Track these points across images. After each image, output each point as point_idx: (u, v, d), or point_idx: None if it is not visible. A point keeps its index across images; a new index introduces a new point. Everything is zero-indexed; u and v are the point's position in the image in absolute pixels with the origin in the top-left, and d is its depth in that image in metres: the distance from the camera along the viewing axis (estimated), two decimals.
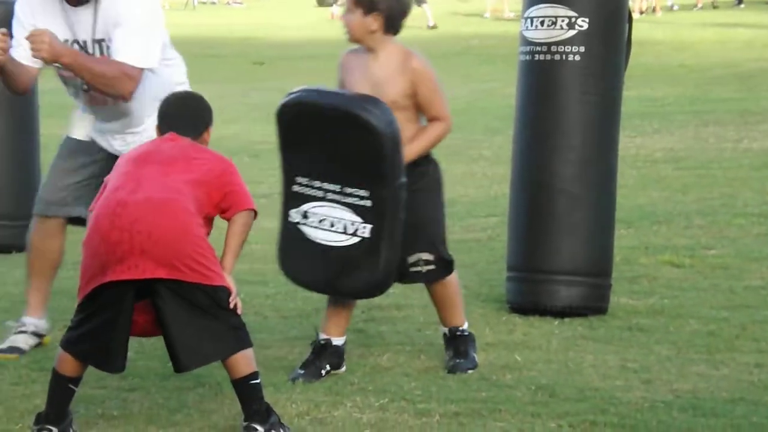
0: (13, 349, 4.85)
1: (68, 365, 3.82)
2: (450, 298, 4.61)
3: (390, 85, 4.39)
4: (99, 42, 4.71)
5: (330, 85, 4.56)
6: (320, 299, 4.92)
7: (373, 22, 4.38)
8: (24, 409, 4.11)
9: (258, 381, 3.82)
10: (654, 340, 5.04)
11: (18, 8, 4.81)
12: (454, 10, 27.55)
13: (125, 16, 4.62)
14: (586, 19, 5.38)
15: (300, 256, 4.32)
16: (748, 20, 23.17)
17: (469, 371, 4.52)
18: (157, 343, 4.57)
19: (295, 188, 4.24)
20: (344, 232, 4.22)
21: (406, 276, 4.51)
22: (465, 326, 4.68)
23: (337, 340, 4.58)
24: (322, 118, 4.16)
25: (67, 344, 3.83)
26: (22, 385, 4.42)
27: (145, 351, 4.74)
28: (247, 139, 11.11)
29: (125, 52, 4.59)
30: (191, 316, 3.72)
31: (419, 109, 4.47)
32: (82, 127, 4.95)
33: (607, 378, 4.52)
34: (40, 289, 4.99)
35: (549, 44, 5.41)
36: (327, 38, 23.45)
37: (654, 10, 26.11)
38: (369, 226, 4.18)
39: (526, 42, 5.51)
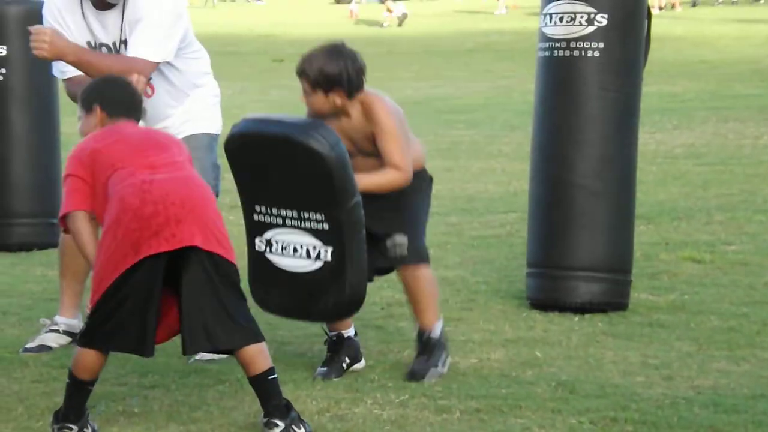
0: (42, 348, 4.87)
1: (85, 369, 3.78)
2: (421, 293, 4.51)
3: (363, 139, 4.36)
4: (125, 42, 4.73)
5: None
6: None
7: (336, 98, 4.32)
8: (45, 407, 4.13)
9: (275, 376, 3.82)
10: (675, 336, 5.03)
11: (46, 10, 4.83)
12: (463, 8, 27.51)
13: (146, 12, 4.64)
14: (605, 15, 5.37)
15: (269, 286, 4.33)
16: (767, 16, 23.05)
17: (426, 382, 4.39)
18: (177, 340, 4.58)
19: (256, 217, 4.24)
20: (308, 257, 4.22)
21: (384, 261, 4.48)
22: (436, 328, 4.54)
23: (348, 332, 4.58)
24: (267, 147, 4.14)
25: (93, 341, 3.77)
26: (43, 382, 4.44)
27: (165, 348, 4.72)
28: None
29: (138, 46, 4.61)
30: (212, 293, 3.72)
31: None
32: None
33: (628, 374, 4.51)
34: (72, 288, 4.99)
35: (568, 40, 5.41)
36: (346, 36, 23.46)
37: (673, 6, 26.01)
38: (329, 249, 4.19)
39: (545, 38, 5.50)
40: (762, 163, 9.33)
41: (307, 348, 4.89)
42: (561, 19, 5.42)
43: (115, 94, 4.00)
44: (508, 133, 11.45)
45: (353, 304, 4.27)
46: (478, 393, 4.28)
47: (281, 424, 3.79)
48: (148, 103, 4.78)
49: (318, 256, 4.20)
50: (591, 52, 5.39)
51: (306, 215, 4.20)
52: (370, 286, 4.34)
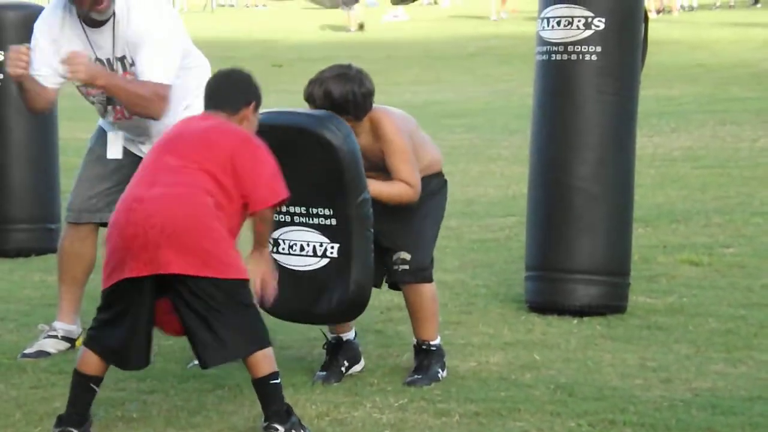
0: (40, 353, 4.87)
1: (90, 364, 3.83)
2: (423, 309, 4.51)
3: (373, 155, 4.35)
4: (120, 60, 4.74)
5: None
6: None
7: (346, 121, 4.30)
8: (43, 413, 4.13)
9: (278, 381, 3.83)
10: (673, 338, 5.04)
11: (37, 28, 4.82)
12: (459, 12, 27.55)
13: (144, 36, 4.65)
14: (603, 19, 5.38)
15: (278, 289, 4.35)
16: (764, 20, 23.11)
17: (425, 387, 4.39)
18: (175, 345, 4.60)
19: None
20: (314, 255, 4.24)
21: (389, 276, 4.51)
22: (436, 341, 4.55)
23: (347, 335, 4.59)
24: (280, 139, 4.12)
25: (90, 342, 3.85)
26: (41, 388, 4.44)
27: (164, 353, 4.76)
28: None
29: (151, 72, 4.62)
30: (209, 313, 3.73)
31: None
32: (114, 146, 4.93)
33: (626, 377, 4.52)
34: (71, 294, 4.99)
35: (566, 44, 5.42)
36: (344, 41, 23.50)
37: (670, 10, 26.05)
38: (336, 246, 4.20)
39: (543, 42, 5.51)
40: (759, 165, 9.35)
41: (307, 352, 4.89)
42: (558, 23, 5.44)
43: (208, 87, 3.99)
44: (507, 136, 11.47)
45: (357, 303, 4.27)
46: (477, 396, 4.29)
47: (281, 429, 3.79)
48: (149, 122, 4.80)
49: (324, 253, 4.21)
50: (588, 55, 5.40)
51: (314, 211, 4.21)
52: None
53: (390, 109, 4.48)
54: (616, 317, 5.38)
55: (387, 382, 4.48)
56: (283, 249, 4.29)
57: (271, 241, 4.28)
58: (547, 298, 5.48)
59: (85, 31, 4.73)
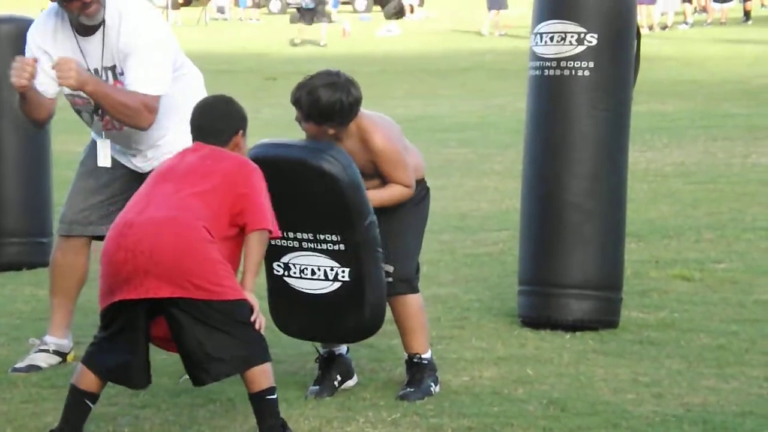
0: (31, 368, 4.85)
1: (88, 380, 3.83)
2: (409, 319, 4.51)
3: (362, 162, 4.35)
4: (110, 69, 4.74)
5: None
6: None
7: (329, 129, 4.33)
8: (34, 427, 4.13)
9: (275, 396, 3.83)
10: (665, 353, 5.05)
11: (30, 36, 4.82)
12: (453, 27, 27.60)
13: (134, 46, 4.64)
14: (595, 35, 5.41)
15: (290, 309, 4.37)
16: (755, 36, 23.21)
17: (418, 401, 4.40)
18: (168, 359, 4.59)
19: (273, 241, 4.27)
20: (326, 278, 4.26)
21: None
22: (427, 354, 4.55)
23: (340, 349, 4.59)
24: (280, 171, 4.14)
25: (89, 360, 3.84)
26: (33, 402, 4.43)
27: (156, 368, 4.71)
28: None
29: (140, 82, 4.61)
30: (203, 333, 3.73)
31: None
32: (103, 153, 4.92)
33: (619, 392, 4.52)
34: (63, 307, 4.96)
35: (558, 59, 5.44)
36: (338, 54, 23.51)
37: (664, 26, 26.15)
38: (347, 269, 4.22)
39: (536, 57, 5.53)
40: (750, 181, 9.38)
41: (300, 366, 4.89)
42: (552, 39, 5.46)
43: (196, 119, 3.99)
44: (501, 151, 11.49)
45: (375, 324, 4.32)
46: (469, 411, 4.29)
47: None
48: (138, 132, 4.79)
49: (336, 278, 4.24)
50: (581, 71, 5.42)
51: (322, 237, 4.23)
52: None
53: (375, 117, 4.49)
54: (608, 332, 5.39)
55: (380, 396, 4.48)
56: (295, 273, 4.32)
57: (282, 265, 4.31)
58: (540, 312, 5.49)
59: (76, 39, 4.73)
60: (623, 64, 5.48)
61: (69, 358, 4.99)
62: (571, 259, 5.46)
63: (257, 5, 36.21)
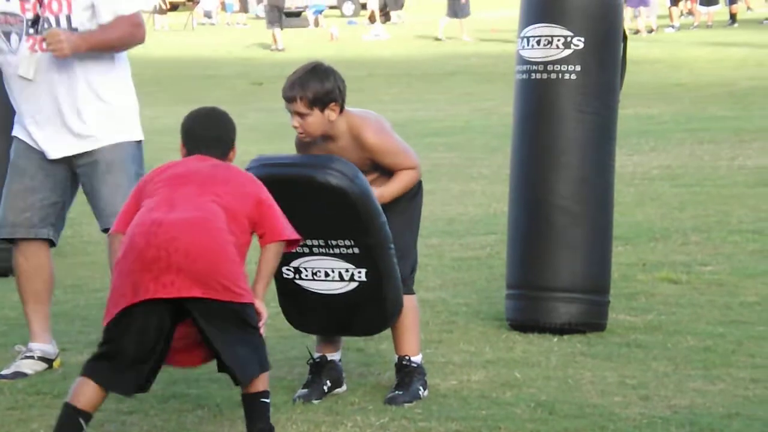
0: (17, 374, 4.83)
1: (86, 397, 3.72)
2: (402, 322, 4.50)
3: (352, 156, 4.36)
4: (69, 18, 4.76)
5: None
6: None
7: (332, 113, 4.34)
8: None
9: (269, 401, 3.82)
10: (652, 356, 5.07)
11: None
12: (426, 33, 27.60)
13: None
14: (582, 39, 5.42)
15: (305, 309, 4.37)
16: (741, 39, 23.29)
17: (406, 405, 4.40)
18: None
19: None
20: (341, 279, 4.27)
21: None
22: (417, 357, 4.56)
23: (333, 356, 4.59)
24: (286, 188, 4.14)
25: (93, 372, 3.73)
26: (19, 409, 4.41)
27: None
28: (244, 159, 11.12)
29: (115, 6, 4.72)
30: (225, 335, 3.72)
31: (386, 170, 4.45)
32: (26, 65, 4.82)
33: (606, 394, 4.54)
34: (38, 313, 4.95)
35: (545, 63, 5.46)
36: (325, 58, 23.49)
37: (651, 30, 26.23)
38: (363, 270, 4.23)
39: (523, 61, 5.55)
40: (737, 184, 9.41)
41: (287, 371, 4.89)
42: (538, 42, 5.48)
43: (196, 130, 3.98)
44: (488, 155, 11.51)
45: (394, 315, 4.36)
46: (458, 415, 4.29)
47: None
48: (60, 95, 4.78)
49: (352, 278, 4.26)
50: (568, 74, 5.44)
51: (334, 242, 4.25)
52: None
53: (363, 113, 4.51)
54: (596, 335, 5.41)
55: (368, 400, 4.48)
56: (306, 276, 4.31)
57: (292, 269, 4.31)
58: (527, 316, 5.50)
59: None
60: (610, 67, 5.50)
61: (55, 364, 4.97)
62: (558, 262, 5.47)
63: (244, 10, 36.19)
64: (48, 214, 4.91)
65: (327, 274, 4.28)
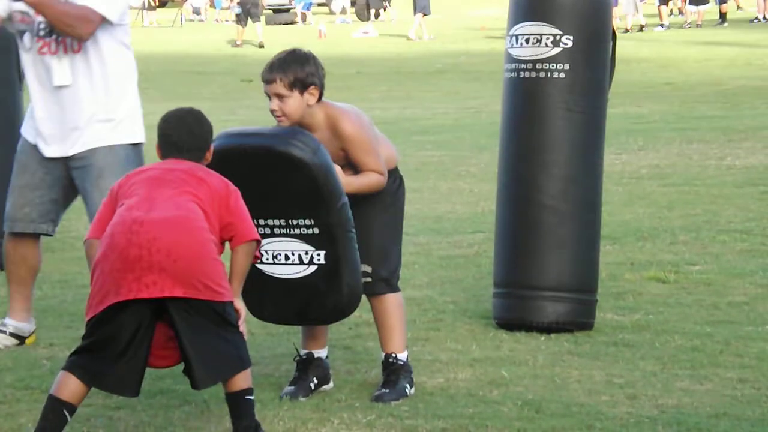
0: None
1: (69, 390, 3.73)
2: (388, 319, 4.51)
3: (332, 152, 4.33)
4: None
5: None
6: None
7: (311, 97, 4.34)
8: (9, 428, 4.10)
9: (252, 398, 3.82)
10: (639, 355, 5.07)
11: None
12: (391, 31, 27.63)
13: None
14: (571, 37, 5.42)
15: (263, 295, 4.34)
16: (730, 39, 23.35)
17: (393, 403, 4.39)
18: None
19: None
20: (300, 263, 4.25)
21: None
22: (403, 355, 4.56)
23: (319, 353, 4.58)
24: (248, 160, 4.14)
25: (74, 367, 3.74)
26: (6, 404, 4.40)
27: None
28: None
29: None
30: (203, 334, 3.72)
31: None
32: (60, 72, 4.93)
33: (593, 393, 4.54)
34: (20, 293, 5.13)
35: (534, 62, 5.45)
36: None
37: (640, 28, 26.28)
38: (322, 252, 4.22)
39: (512, 59, 5.55)
40: (725, 183, 9.42)
41: (274, 368, 4.88)
42: (527, 41, 5.47)
43: (172, 134, 3.95)
44: (476, 153, 11.51)
45: (352, 303, 4.31)
46: (444, 413, 4.29)
47: None
48: (66, 97, 4.84)
49: (311, 261, 4.23)
50: (557, 73, 5.44)
51: (294, 222, 4.22)
52: None
53: (343, 105, 4.50)
54: (583, 334, 5.41)
55: (355, 398, 4.48)
56: (267, 259, 4.29)
57: None
58: (515, 314, 5.50)
59: None
60: (599, 66, 5.50)
61: (28, 341, 5.12)
62: (546, 261, 5.47)
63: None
64: (48, 211, 5.06)
65: (287, 257, 4.25)
